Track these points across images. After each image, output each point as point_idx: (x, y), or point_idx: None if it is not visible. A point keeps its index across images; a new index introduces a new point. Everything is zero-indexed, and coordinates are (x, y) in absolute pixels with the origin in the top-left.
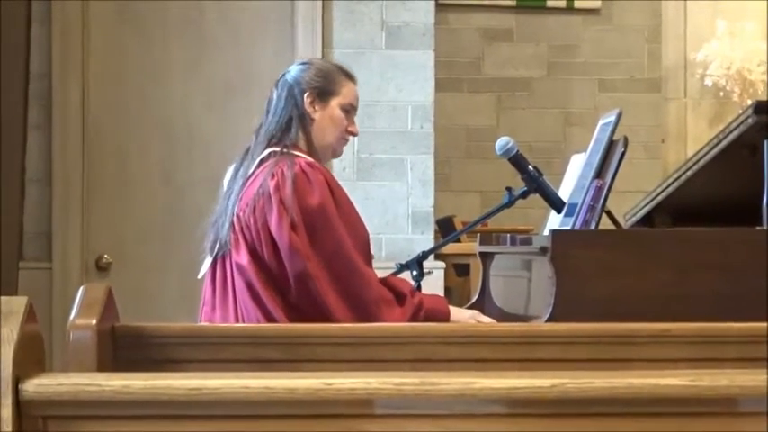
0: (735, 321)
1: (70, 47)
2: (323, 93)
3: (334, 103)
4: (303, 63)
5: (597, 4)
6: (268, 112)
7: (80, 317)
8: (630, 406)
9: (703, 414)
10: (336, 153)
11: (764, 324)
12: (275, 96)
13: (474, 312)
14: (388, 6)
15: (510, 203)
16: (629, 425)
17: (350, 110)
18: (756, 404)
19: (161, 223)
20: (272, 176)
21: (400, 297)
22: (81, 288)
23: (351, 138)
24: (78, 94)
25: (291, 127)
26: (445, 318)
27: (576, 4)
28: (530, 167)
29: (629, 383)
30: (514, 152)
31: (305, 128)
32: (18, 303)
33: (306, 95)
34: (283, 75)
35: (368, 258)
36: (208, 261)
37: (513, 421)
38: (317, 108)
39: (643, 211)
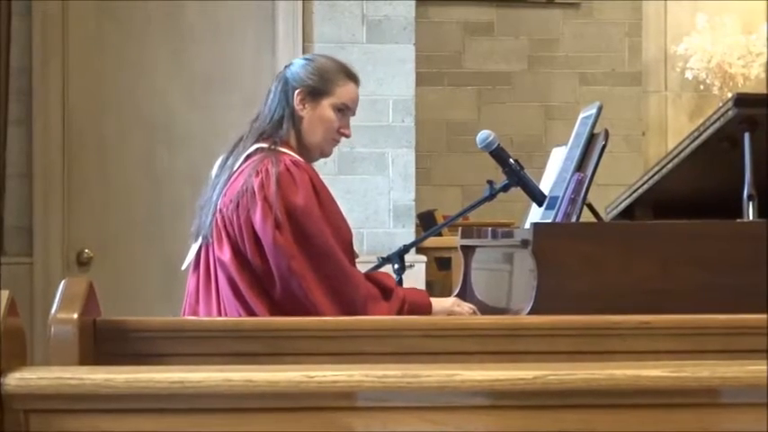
0: (717, 314)
1: (51, 41)
2: (315, 92)
3: (326, 102)
4: (306, 59)
5: None
6: (265, 103)
7: (61, 311)
8: (612, 397)
9: (685, 405)
10: (325, 153)
11: (744, 316)
12: (272, 89)
13: (455, 300)
14: (368, 1)
15: (491, 197)
16: (611, 416)
17: (344, 110)
18: (738, 395)
19: (142, 218)
20: (257, 174)
21: (386, 291)
22: (62, 282)
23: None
24: (59, 89)
25: (283, 123)
26: (427, 310)
27: None
28: (511, 161)
29: (610, 375)
30: (495, 146)
31: (295, 125)
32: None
33: (297, 93)
34: (285, 67)
35: (351, 258)
36: (193, 249)
37: (495, 413)
38: (306, 107)
39: (624, 204)
